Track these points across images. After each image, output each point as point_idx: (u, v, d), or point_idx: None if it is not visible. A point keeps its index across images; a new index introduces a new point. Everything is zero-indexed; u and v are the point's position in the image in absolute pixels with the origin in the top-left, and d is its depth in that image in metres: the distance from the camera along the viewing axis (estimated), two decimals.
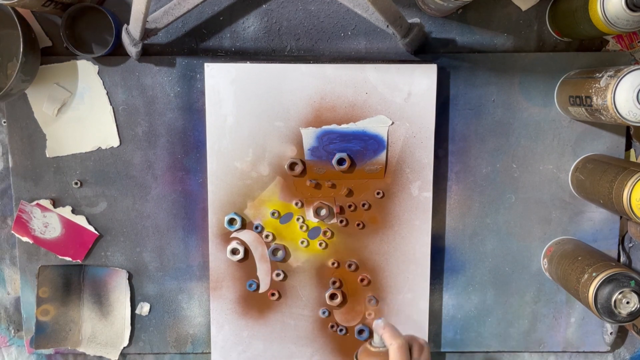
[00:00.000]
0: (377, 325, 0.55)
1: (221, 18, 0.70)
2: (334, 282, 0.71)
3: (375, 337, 0.56)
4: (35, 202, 0.71)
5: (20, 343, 0.76)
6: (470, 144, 0.71)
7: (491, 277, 0.73)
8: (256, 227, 0.70)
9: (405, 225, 0.70)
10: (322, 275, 0.71)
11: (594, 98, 0.59)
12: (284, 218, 0.70)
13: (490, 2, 0.69)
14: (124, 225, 0.72)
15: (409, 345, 0.55)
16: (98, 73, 0.70)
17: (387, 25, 0.64)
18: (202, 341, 0.75)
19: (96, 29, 0.70)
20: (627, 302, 0.59)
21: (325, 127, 0.68)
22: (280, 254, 0.70)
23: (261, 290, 0.71)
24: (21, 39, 0.62)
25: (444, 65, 0.69)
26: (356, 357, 0.57)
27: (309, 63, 0.67)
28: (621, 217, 0.72)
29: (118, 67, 0.70)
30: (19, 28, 0.62)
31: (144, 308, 0.74)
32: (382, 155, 0.68)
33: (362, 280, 0.70)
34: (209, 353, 0.74)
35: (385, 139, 0.68)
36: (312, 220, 0.70)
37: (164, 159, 0.71)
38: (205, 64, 0.67)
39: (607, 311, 0.59)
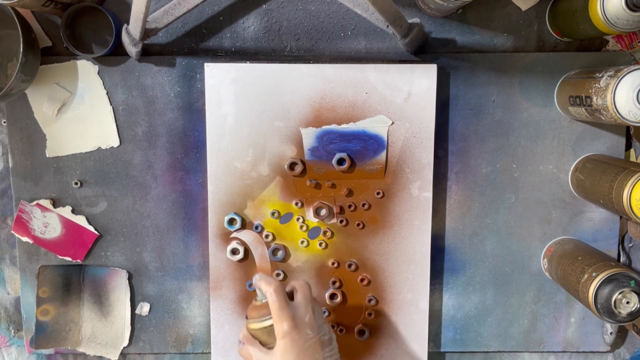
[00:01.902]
0: (255, 279, 0.58)
1: (221, 18, 0.70)
2: (334, 282, 0.71)
3: (258, 292, 0.59)
4: (35, 202, 0.71)
5: (20, 343, 0.76)
6: (470, 144, 0.71)
7: (491, 277, 0.73)
8: (256, 227, 0.70)
9: (405, 225, 0.70)
10: (322, 275, 0.71)
11: (594, 98, 0.59)
12: (284, 218, 0.70)
13: (490, 2, 0.69)
14: (124, 225, 0.72)
15: (292, 287, 0.59)
16: (98, 73, 0.70)
17: (387, 25, 0.64)
18: (202, 341, 0.75)
19: (96, 29, 0.70)
20: (627, 302, 0.59)
21: (325, 127, 0.68)
22: (280, 254, 0.70)
23: None
24: (21, 39, 0.62)
25: (444, 65, 0.69)
26: (247, 318, 0.59)
27: (309, 63, 0.67)
28: (621, 217, 0.72)
29: (118, 67, 0.70)
30: (19, 28, 0.62)
31: (144, 308, 0.74)
32: (382, 155, 0.68)
33: (362, 280, 0.70)
34: (209, 353, 0.75)
35: (385, 139, 0.68)
36: (312, 220, 0.70)
37: (164, 159, 0.71)
38: (205, 64, 0.67)
39: (607, 311, 0.59)
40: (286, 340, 0.55)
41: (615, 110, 0.56)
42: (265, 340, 0.58)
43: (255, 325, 0.58)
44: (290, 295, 0.59)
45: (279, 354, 0.55)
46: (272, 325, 0.56)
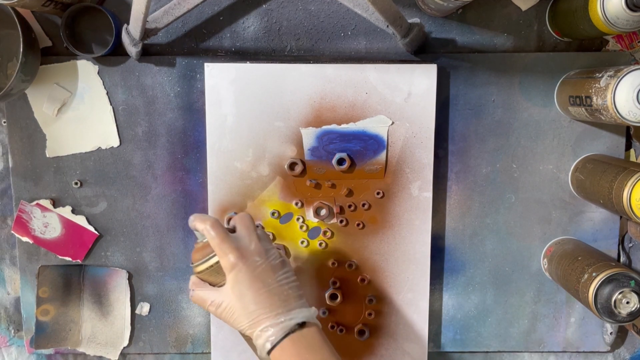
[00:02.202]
0: (189, 221, 0.56)
1: (221, 18, 0.70)
2: (334, 282, 0.71)
3: (196, 234, 0.57)
4: (35, 202, 0.71)
5: (20, 343, 0.76)
6: (470, 144, 0.71)
7: (491, 277, 0.73)
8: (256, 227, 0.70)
9: (405, 225, 0.70)
10: (322, 275, 0.71)
11: (594, 98, 0.59)
12: (284, 218, 0.70)
13: (490, 2, 0.69)
14: (124, 225, 0.72)
15: (232, 224, 0.57)
16: (98, 73, 0.70)
17: (387, 25, 0.64)
18: (202, 341, 0.75)
19: (96, 29, 0.70)
20: (627, 302, 0.59)
21: (325, 127, 0.68)
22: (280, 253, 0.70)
23: None
24: (21, 39, 0.62)
25: (444, 65, 0.69)
26: (192, 264, 0.57)
27: (309, 63, 0.67)
28: (621, 217, 0.72)
29: (118, 67, 0.70)
30: (19, 28, 0.62)
31: (144, 308, 0.74)
32: (382, 156, 0.68)
33: (362, 280, 0.70)
34: (209, 353, 0.74)
35: (385, 139, 0.68)
36: (312, 220, 0.70)
37: (164, 159, 0.71)
38: (205, 64, 0.67)
39: (607, 311, 0.59)
40: (235, 272, 0.53)
41: (615, 110, 0.56)
42: (214, 280, 0.56)
43: (201, 267, 0.56)
44: (233, 231, 0.57)
45: (230, 287, 0.53)
46: (218, 263, 0.55)
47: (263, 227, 0.68)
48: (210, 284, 0.56)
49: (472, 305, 0.74)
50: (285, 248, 0.70)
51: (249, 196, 0.69)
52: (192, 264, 0.57)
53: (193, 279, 0.57)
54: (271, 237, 0.70)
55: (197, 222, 0.55)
